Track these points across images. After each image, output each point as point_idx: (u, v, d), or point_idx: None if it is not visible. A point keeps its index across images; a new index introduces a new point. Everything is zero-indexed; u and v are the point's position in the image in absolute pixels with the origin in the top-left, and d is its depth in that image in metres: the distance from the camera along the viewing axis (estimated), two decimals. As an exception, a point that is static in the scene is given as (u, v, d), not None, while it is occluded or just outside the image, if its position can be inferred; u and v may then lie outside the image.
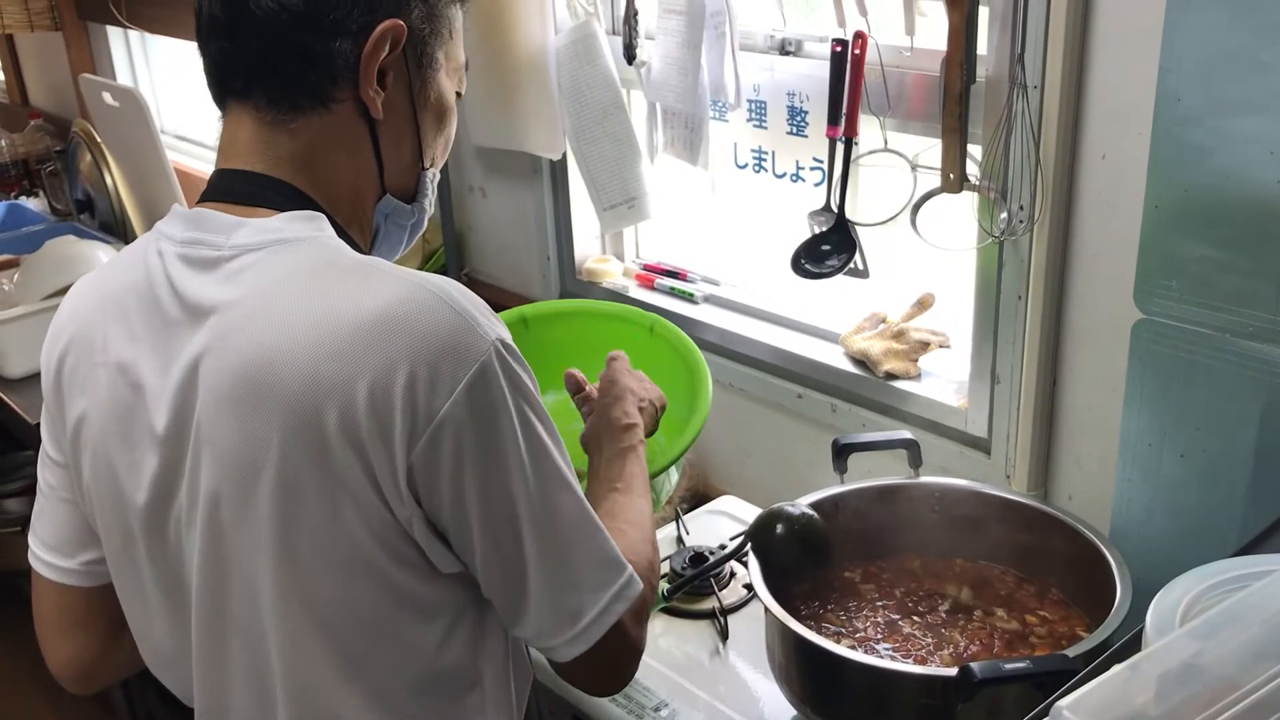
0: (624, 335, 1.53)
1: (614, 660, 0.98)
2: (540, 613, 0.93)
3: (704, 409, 1.41)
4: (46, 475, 1.09)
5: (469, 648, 0.98)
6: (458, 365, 0.85)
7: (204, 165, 3.30)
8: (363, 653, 0.93)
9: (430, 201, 1.08)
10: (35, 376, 2.20)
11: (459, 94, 1.06)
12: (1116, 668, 0.60)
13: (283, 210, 0.94)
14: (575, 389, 1.27)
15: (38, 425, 2.05)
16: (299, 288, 0.88)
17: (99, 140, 2.75)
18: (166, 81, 3.52)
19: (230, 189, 0.97)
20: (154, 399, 0.94)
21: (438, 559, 0.92)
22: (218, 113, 1.00)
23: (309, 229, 0.93)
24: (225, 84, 0.97)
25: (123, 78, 3.53)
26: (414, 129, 1.01)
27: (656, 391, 1.25)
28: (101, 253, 2.38)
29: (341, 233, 0.97)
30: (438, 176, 1.08)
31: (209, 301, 0.91)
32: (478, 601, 0.97)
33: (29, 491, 2.78)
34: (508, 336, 0.90)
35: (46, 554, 1.09)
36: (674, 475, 1.41)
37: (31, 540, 1.11)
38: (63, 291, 2.20)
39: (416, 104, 1.00)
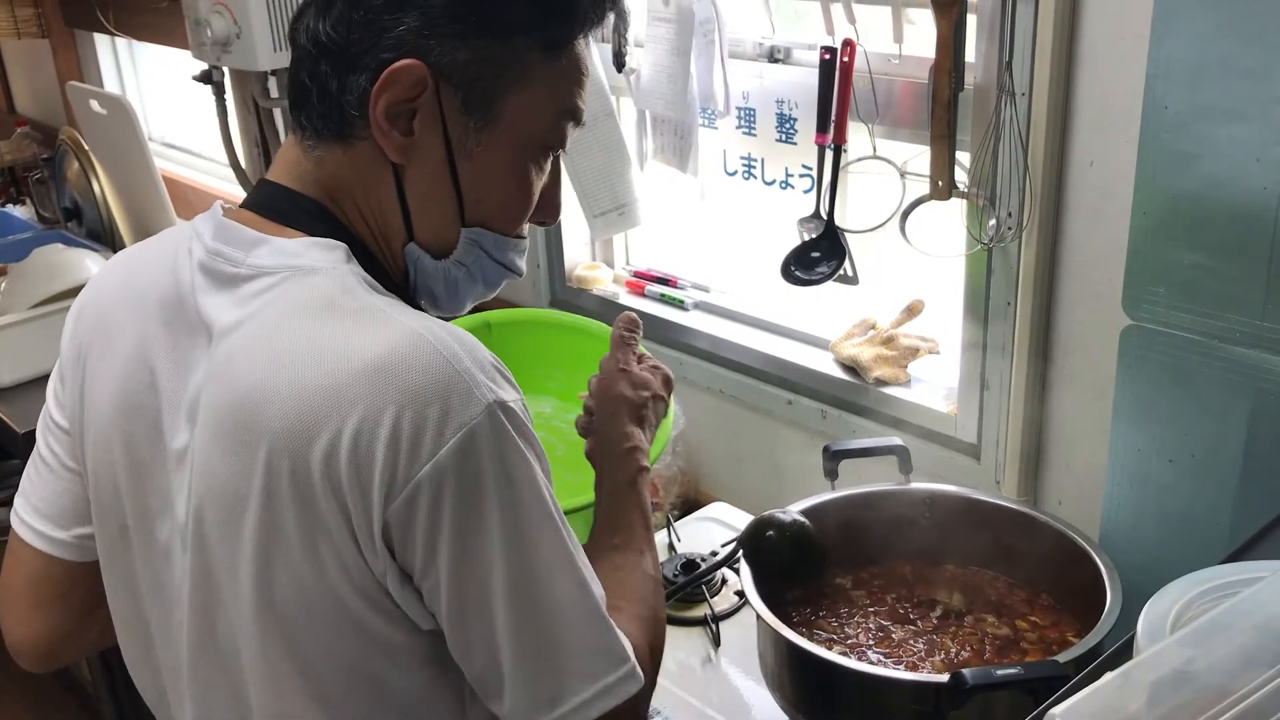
0: (586, 348, 1.53)
1: None
2: (514, 693, 0.87)
3: (666, 430, 1.40)
4: (49, 441, 1.07)
5: (454, 699, 0.94)
6: (444, 424, 0.81)
7: (192, 173, 3.29)
8: (341, 695, 0.90)
9: (482, 266, 1.00)
10: (25, 385, 2.23)
11: (559, 150, 0.99)
12: (1109, 675, 0.60)
13: (305, 229, 0.93)
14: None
15: (26, 435, 2.07)
16: (299, 326, 0.86)
17: (86, 148, 2.74)
18: (154, 89, 3.51)
19: (262, 200, 0.97)
20: (169, 407, 0.94)
21: (415, 615, 0.88)
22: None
23: (327, 259, 0.91)
24: (290, 108, 0.98)
25: (110, 85, 3.52)
26: (450, 180, 0.94)
27: (652, 381, 1.16)
28: (89, 261, 2.37)
29: (374, 263, 0.95)
30: (520, 243, 1.00)
31: (219, 323, 0.91)
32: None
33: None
34: (513, 400, 0.85)
35: (38, 521, 1.06)
36: None
37: (20, 504, 1.08)
38: (51, 300, 2.22)
39: (455, 153, 0.93)
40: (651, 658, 0.95)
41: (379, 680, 0.90)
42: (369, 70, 0.89)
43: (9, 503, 1.12)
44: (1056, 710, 0.57)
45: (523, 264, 1.03)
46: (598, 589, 0.89)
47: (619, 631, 0.90)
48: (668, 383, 1.19)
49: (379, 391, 0.81)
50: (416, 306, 0.97)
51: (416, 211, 0.95)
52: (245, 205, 0.98)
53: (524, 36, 0.92)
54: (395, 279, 0.98)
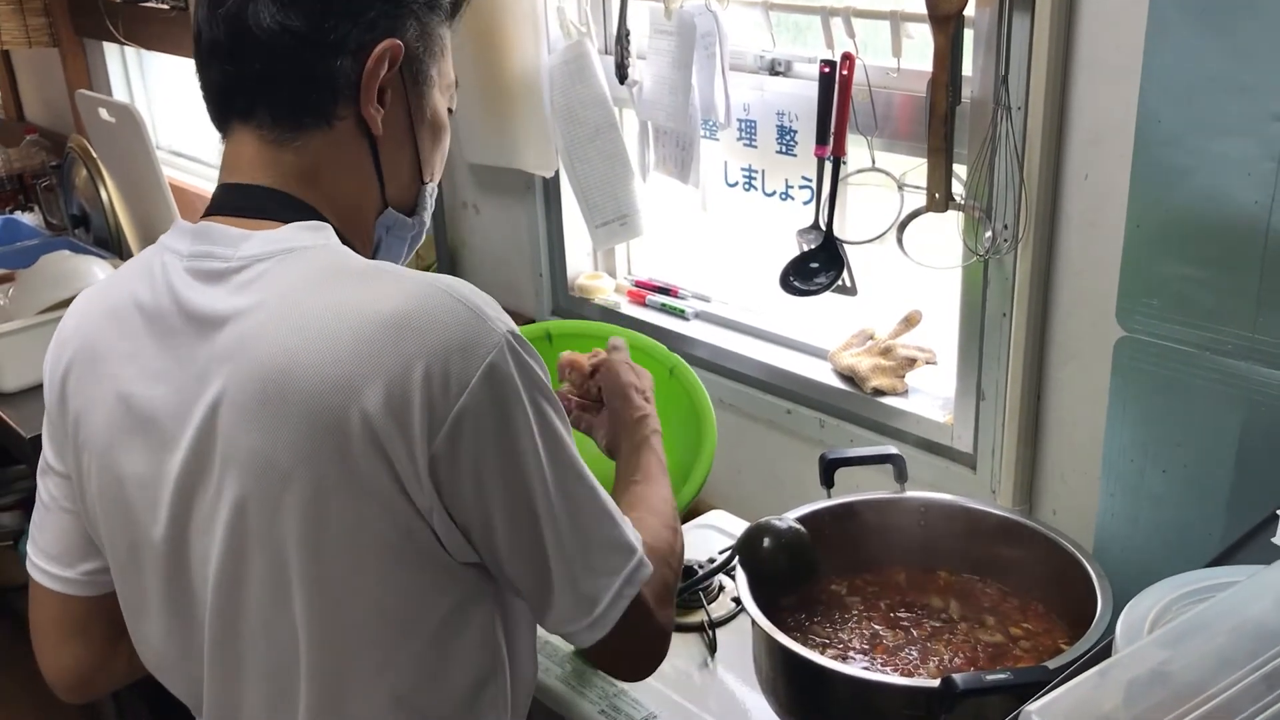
0: (644, 368, 1.54)
1: (638, 643, 1.01)
2: (562, 600, 0.96)
3: (707, 460, 1.44)
4: (48, 485, 1.10)
5: (490, 645, 1.00)
6: (470, 359, 0.88)
7: (200, 181, 3.31)
8: (390, 649, 0.94)
9: (429, 214, 1.11)
10: (30, 390, 2.24)
11: (451, 110, 1.09)
12: (1085, 674, 0.61)
13: (284, 220, 0.96)
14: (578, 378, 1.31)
15: (33, 439, 2.09)
16: (313, 293, 0.90)
17: (94, 156, 2.76)
18: (162, 98, 3.54)
19: (235, 203, 0.98)
20: (168, 412, 0.95)
21: (454, 548, 0.93)
22: (218, 134, 1.02)
23: (316, 238, 0.95)
24: (228, 106, 0.99)
25: (119, 94, 3.55)
26: (413, 144, 1.04)
27: (648, 377, 1.29)
28: (96, 267, 2.39)
29: (345, 243, 0.98)
30: (436, 191, 1.11)
31: (222, 312, 0.92)
32: (497, 598, 1.00)
33: (22, 505, 2.78)
34: (516, 329, 0.92)
35: (47, 563, 1.10)
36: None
37: (30, 549, 1.12)
38: (58, 306, 2.24)
39: (415, 120, 1.03)
40: (670, 556, 1.06)
41: (423, 634, 0.95)
42: (350, 53, 0.96)
43: (15, 507, 1.14)
44: (1032, 707, 0.58)
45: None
46: (601, 488, 0.98)
47: (627, 522, 0.99)
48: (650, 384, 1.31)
49: (405, 342, 0.87)
50: None
51: (390, 177, 1.03)
52: (214, 211, 0.99)
53: (439, 10, 1.03)
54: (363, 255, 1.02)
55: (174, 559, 0.99)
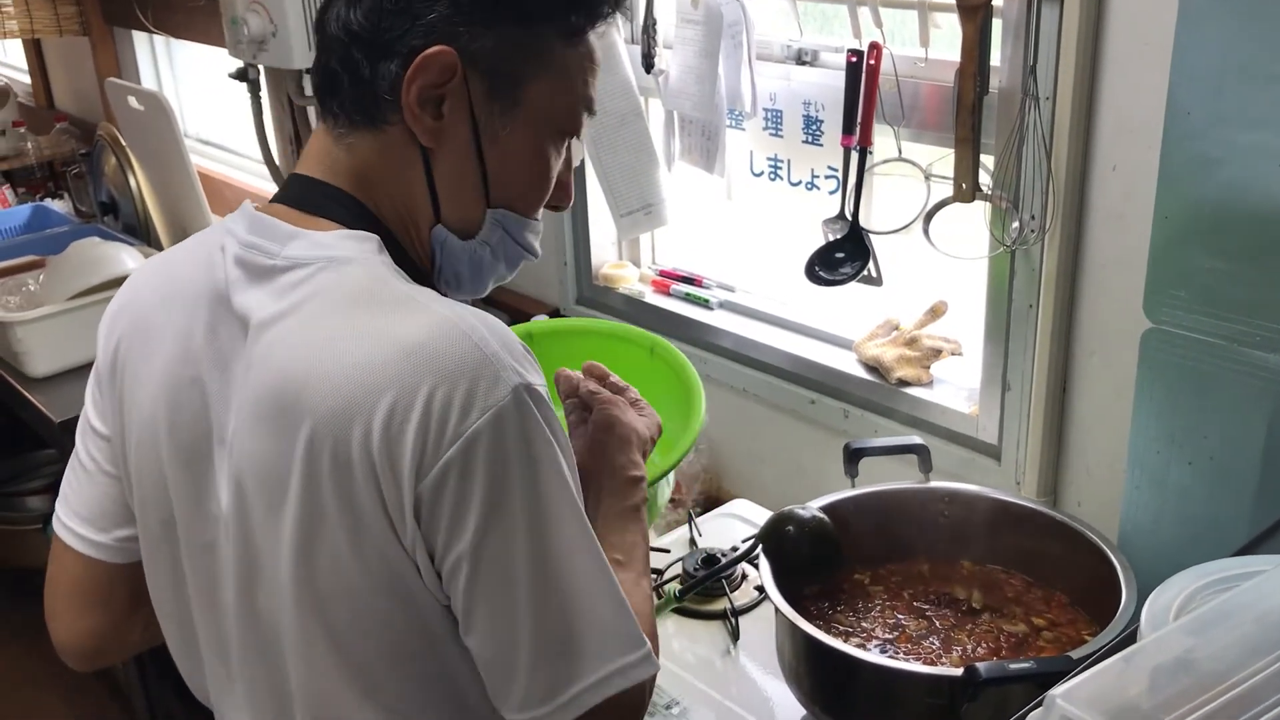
0: (624, 354, 1.55)
1: None
2: (529, 676, 0.87)
3: (695, 428, 1.42)
4: (89, 446, 1.09)
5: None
6: (471, 404, 0.84)
7: (227, 169, 3.34)
8: (380, 672, 0.92)
9: (497, 248, 1.02)
10: (60, 376, 2.26)
11: (575, 136, 1.01)
12: (1110, 660, 0.61)
13: (340, 220, 0.96)
14: (569, 392, 1.16)
15: (62, 424, 2.11)
16: (338, 314, 0.89)
17: (123, 143, 2.78)
18: (191, 86, 3.56)
19: (294, 193, 0.99)
20: (215, 401, 0.96)
21: (437, 594, 0.90)
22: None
23: (359, 250, 0.93)
24: (317, 101, 1.00)
25: (148, 82, 3.57)
26: (477, 163, 0.97)
27: (656, 422, 1.17)
28: (125, 254, 2.41)
29: (400, 251, 0.97)
30: (536, 225, 1.04)
31: (257, 315, 0.93)
32: None
33: (51, 490, 2.82)
34: (538, 383, 0.88)
35: (80, 526, 1.09)
36: (665, 490, 1.42)
37: (61, 510, 1.10)
38: (88, 292, 2.26)
39: (482, 137, 0.96)
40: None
41: (414, 658, 0.92)
42: (400, 56, 0.92)
43: (45, 491, 1.14)
44: (1056, 691, 0.58)
45: (539, 246, 1.07)
46: (613, 575, 0.91)
47: (635, 618, 0.91)
48: (659, 429, 1.19)
49: (411, 373, 0.84)
50: (440, 291, 0.99)
51: (444, 194, 0.98)
52: (277, 200, 1.00)
53: (546, 24, 0.95)
54: (420, 265, 1.01)
55: (200, 550, 1.00)
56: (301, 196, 0.98)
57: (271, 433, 0.89)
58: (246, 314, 0.94)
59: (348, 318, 0.89)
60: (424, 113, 0.94)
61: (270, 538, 0.92)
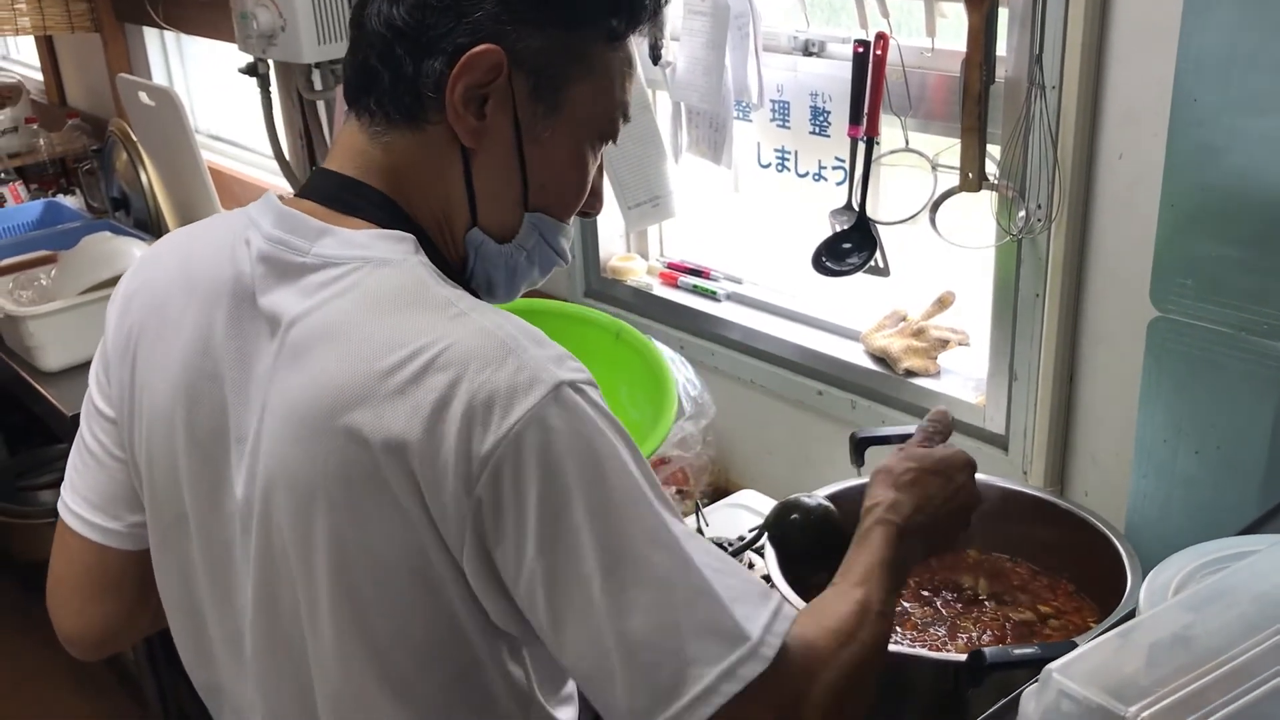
0: (590, 338, 1.55)
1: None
2: (630, 689, 0.82)
3: (669, 415, 1.42)
4: (95, 430, 1.07)
5: (523, 682, 0.96)
6: (512, 407, 0.81)
7: (237, 164, 3.35)
8: (413, 675, 0.91)
9: (532, 252, 1.01)
10: (72, 370, 2.28)
11: (611, 141, 1.01)
12: (1107, 635, 0.62)
13: (372, 220, 0.94)
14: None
15: (73, 417, 2.11)
16: (375, 318, 0.87)
17: (135, 139, 2.80)
18: (201, 82, 3.58)
19: (322, 189, 0.97)
20: (234, 396, 0.94)
21: (487, 602, 0.88)
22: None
23: (396, 250, 0.91)
24: (348, 96, 0.98)
25: (158, 77, 3.58)
26: (518, 166, 0.96)
27: (929, 455, 1.11)
28: (136, 249, 2.42)
29: (433, 249, 0.96)
30: (568, 229, 1.02)
31: (287, 313, 0.91)
32: (535, 647, 0.93)
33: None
34: (582, 378, 0.85)
35: (89, 512, 1.07)
36: None
37: (68, 495, 1.08)
38: (99, 286, 2.27)
39: (524, 139, 0.95)
40: (827, 665, 0.87)
41: (446, 660, 0.91)
42: (445, 54, 0.90)
43: (57, 485, 1.11)
44: (1054, 665, 0.59)
45: (569, 251, 1.05)
46: (709, 562, 0.84)
47: (739, 611, 0.83)
48: (969, 465, 1.13)
49: (451, 381, 0.83)
50: (473, 293, 0.97)
51: (482, 196, 0.96)
52: (304, 195, 0.97)
53: (590, 28, 0.94)
54: (453, 266, 0.99)
55: (215, 546, 0.99)
56: (331, 193, 0.96)
57: (303, 438, 0.87)
58: (276, 313, 0.92)
59: (384, 323, 0.86)
60: (467, 112, 0.92)
61: (300, 543, 0.90)
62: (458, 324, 0.86)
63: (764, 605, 0.85)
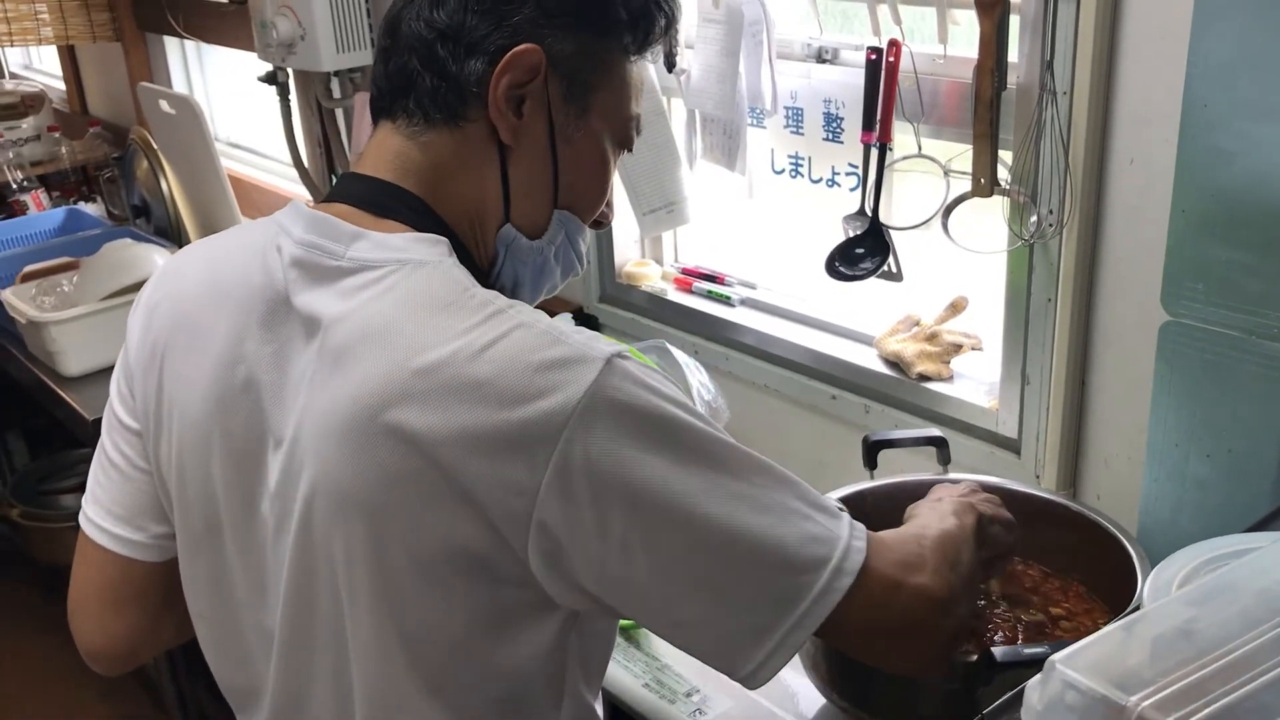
0: None
1: (880, 630, 0.93)
2: (749, 606, 0.88)
3: None
4: (117, 442, 1.07)
5: (557, 679, 0.96)
6: (568, 382, 0.83)
7: (257, 173, 3.38)
8: (448, 671, 0.92)
9: (558, 251, 1.04)
10: (93, 375, 2.30)
11: (627, 150, 1.04)
12: (1111, 627, 0.63)
13: (402, 220, 0.95)
14: None
15: (94, 422, 2.14)
16: (416, 320, 0.87)
17: (155, 147, 2.83)
18: (221, 90, 3.61)
19: (356, 193, 0.98)
20: (271, 402, 0.94)
21: (555, 589, 0.88)
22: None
23: (431, 253, 0.92)
24: (378, 105, 1.00)
25: (179, 86, 3.62)
26: (551, 164, 0.99)
27: (978, 505, 1.16)
28: (157, 255, 2.44)
29: (464, 252, 0.96)
30: (585, 232, 1.06)
31: (324, 316, 0.91)
32: (574, 629, 0.95)
33: (84, 488, 2.87)
34: (622, 352, 0.86)
35: (113, 525, 1.07)
36: None
37: (90, 508, 1.08)
38: (120, 293, 2.30)
39: (557, 138, 0.98)
40: (914, 568, 0.94)
41: (487, 658, 0.92)
42: (487, 55, 0.94)
43: (78, 489, 1.12)
44: (1057, 656, 0.60)
45: (585, 257, 1.08)
46: (788, 475, 0.92)
47: (817, 525, 0.89)
48: (1010, 526, 1.18)
49: (499, 371, 0.83)
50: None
51: (517, 192, 0.99)
52: (336, 199, 0.98)
53: (616, 37, 0.98)
54: (481, 266, 1.00)
55: (250, 550, 0.99)
56: (366, 196, 0.97)
57: (349, 437, 0.87)
58: (313, 314, 0.92)
59: (426, 325, 0.87)
60: (508, 109, 0.95)
61: (341, 545, 0.89)
62: (498, 320, 0.87)
63: (839, 515, 0.92)
